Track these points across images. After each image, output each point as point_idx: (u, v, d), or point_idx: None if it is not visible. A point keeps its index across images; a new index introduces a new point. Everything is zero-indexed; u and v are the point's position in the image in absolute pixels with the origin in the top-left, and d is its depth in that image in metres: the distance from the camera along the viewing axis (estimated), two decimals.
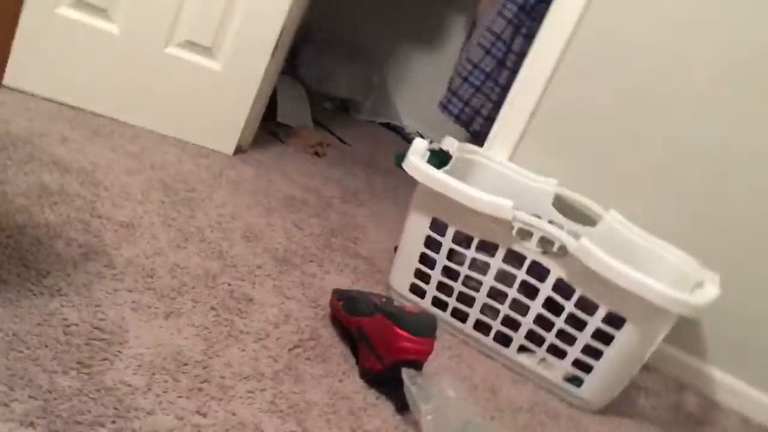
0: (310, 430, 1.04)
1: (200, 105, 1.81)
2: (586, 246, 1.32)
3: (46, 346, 0.95)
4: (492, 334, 1.47)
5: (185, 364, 1.05)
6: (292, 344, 1.22)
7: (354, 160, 2.35)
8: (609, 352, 1.37)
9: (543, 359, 1.44)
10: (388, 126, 2.93)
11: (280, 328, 1.25)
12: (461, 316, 1.49)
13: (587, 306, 1.38)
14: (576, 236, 1.42)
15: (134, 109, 1.77)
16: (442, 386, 1.18)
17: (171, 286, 1.21)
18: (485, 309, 1.47)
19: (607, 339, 1.37)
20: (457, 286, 1.47)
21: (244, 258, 1.41)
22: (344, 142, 2.44)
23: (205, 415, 0.97)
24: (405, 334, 1.17)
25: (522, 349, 1.46)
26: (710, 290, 1.37)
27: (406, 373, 1.15)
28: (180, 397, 0.98)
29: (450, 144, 1.67)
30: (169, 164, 1.66)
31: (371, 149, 2.55)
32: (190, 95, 1.80)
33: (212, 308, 1.21)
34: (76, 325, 1.02)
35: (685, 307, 1.29)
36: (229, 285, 1.30)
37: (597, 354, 1.39)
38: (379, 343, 1.19)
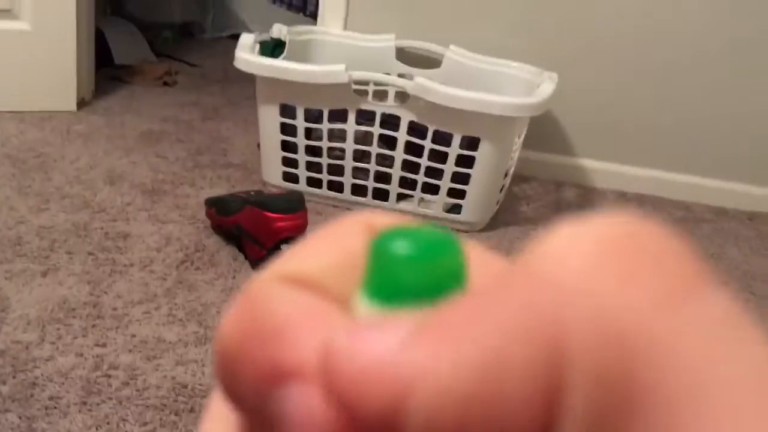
0: (213, 327, 1.10)
1: (22, 69, 1.75)
2: (422, 83, 1.39)
3: None
4: (369, 192, 1.54)
5: (74, 309, 1.08)
6: (179, 261, 1.26)
7: (207, 79, 2.32)
8: (475, 172, 1.47)
9: (421, 199, 1.53)
10: (237, 37, 2.87)
11: (163, 251, 1.29)
12: (337, 187, 1.55)
13: (443, 138, 1.45)
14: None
15: None
16: None
17: (42, 247, 1.23)
18: (356, 172, 1.53)
19: (470, 162, 1.47)
20: (324, 160, 1.53)
21: (111, 200, 1.43)
22: (192, 65, 2.40)
23: (104, 345, 1.02)
24: (275, 215, 1.22)
25: (400, 197, 1.54)
26: (545, 88, 1.47)
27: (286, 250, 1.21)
28: (75, 338, 1.02)
29: (279, 30, 1.68)
30: (10, 138, 1.63)
31: (223, 64, 2.50)
32: (8, 62, 1.73)
33: (89, 254, 1.23)
34: None
35: (522, 108, 1.38)
36: (102, 228, 1.32)
37: (465, 179, 1.48)
38: (257, 231, 1.25)
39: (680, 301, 0.10)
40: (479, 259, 0.13)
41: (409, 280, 0.11)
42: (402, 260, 0.11)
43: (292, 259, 0.13)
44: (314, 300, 0.12)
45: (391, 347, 0.10)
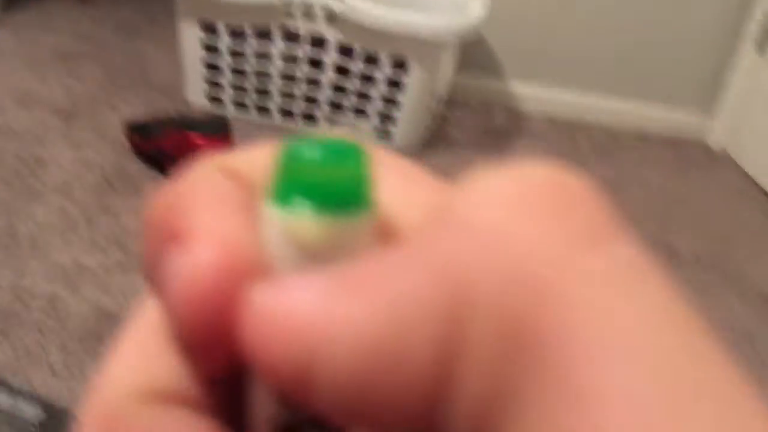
0: (136, 253, 1.08)
1: None
2: (349, 2, 1.35)
3: None
4: (299, 118, 1.51)
5: None
6: (99, 186, 1.22)
7: None
8: (405, 97, 1.46)
9: (352, 125, 1.52)
10: None
11: (82, 176, 1.24)
12: (264, 110, 1.52)
13: (372, 60, 1.43)
14: None
15: None
16: None
17: None
18: (284, 96, 1.50)
19: (399, 87, 1.45)
20: (250, 82, 1.48)
21: (23, 124, 1.35)
22: None
23: (23, 274, 0.99)
24: (199, 136, 1.19)
25: (331, 122, 1.52)
26: (475, 9, 1.45)
27: None
28: None
29: None
30: None
31: None
32: None
33: (2, 179, 1.18)
34: None
35: (450, 29, 1.37)
36: (15, 153, 1.26)
37: (396, 104, 1.47)
38: (180, 155, 1.21)
39: (590, 248, 0.10)
40: (394, 170, 0.13)
41: (310, 181, 0.11)
42: (305, 163, 0.11)
43: (235, 155, 0.13)
44: (227, 183, 0.12)
45: (311, 299, 0.10)
